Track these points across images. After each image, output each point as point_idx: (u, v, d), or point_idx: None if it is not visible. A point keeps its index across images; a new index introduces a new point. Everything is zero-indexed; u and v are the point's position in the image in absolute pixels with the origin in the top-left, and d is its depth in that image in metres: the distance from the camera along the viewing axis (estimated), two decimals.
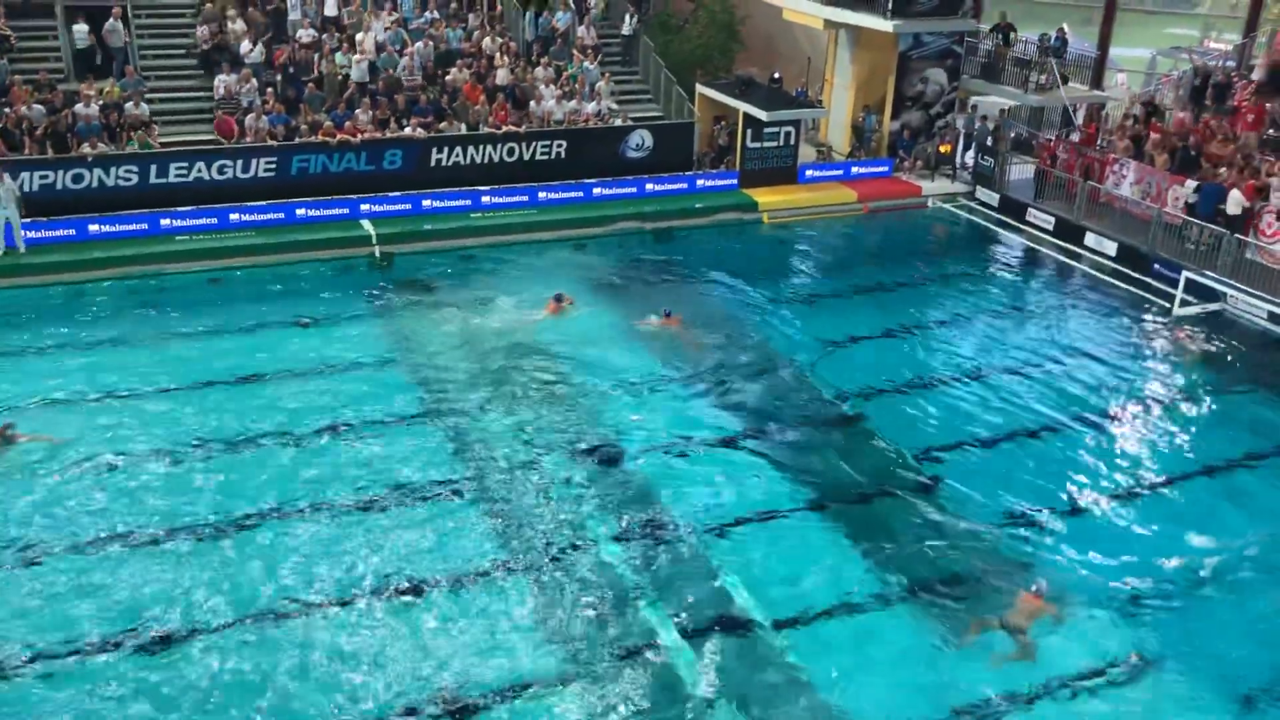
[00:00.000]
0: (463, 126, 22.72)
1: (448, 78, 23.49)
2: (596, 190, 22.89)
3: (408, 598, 11.13)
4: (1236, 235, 19.20)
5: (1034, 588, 11.31)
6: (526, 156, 23.06)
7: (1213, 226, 19.65)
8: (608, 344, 17.15)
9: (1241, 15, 31.12)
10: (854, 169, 25.27)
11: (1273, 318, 18.05)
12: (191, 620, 10.68)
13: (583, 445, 14.13)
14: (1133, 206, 21.97)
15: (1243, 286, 18.61)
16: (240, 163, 20.96)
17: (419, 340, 17.01)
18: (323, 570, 11.47)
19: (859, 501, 13.22)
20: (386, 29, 23.80)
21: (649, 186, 23.34)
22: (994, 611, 11.19)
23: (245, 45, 22.57)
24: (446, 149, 22.43)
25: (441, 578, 11.45)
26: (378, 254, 20.44)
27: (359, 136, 21.61)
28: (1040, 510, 13.09)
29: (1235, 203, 19.58)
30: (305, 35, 23.00)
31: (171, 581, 11.21)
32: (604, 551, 12.00)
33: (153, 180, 20.44)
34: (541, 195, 22.46)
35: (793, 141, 24.34)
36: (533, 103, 23.49)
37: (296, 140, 21.41)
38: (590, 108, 24.04)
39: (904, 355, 17.23)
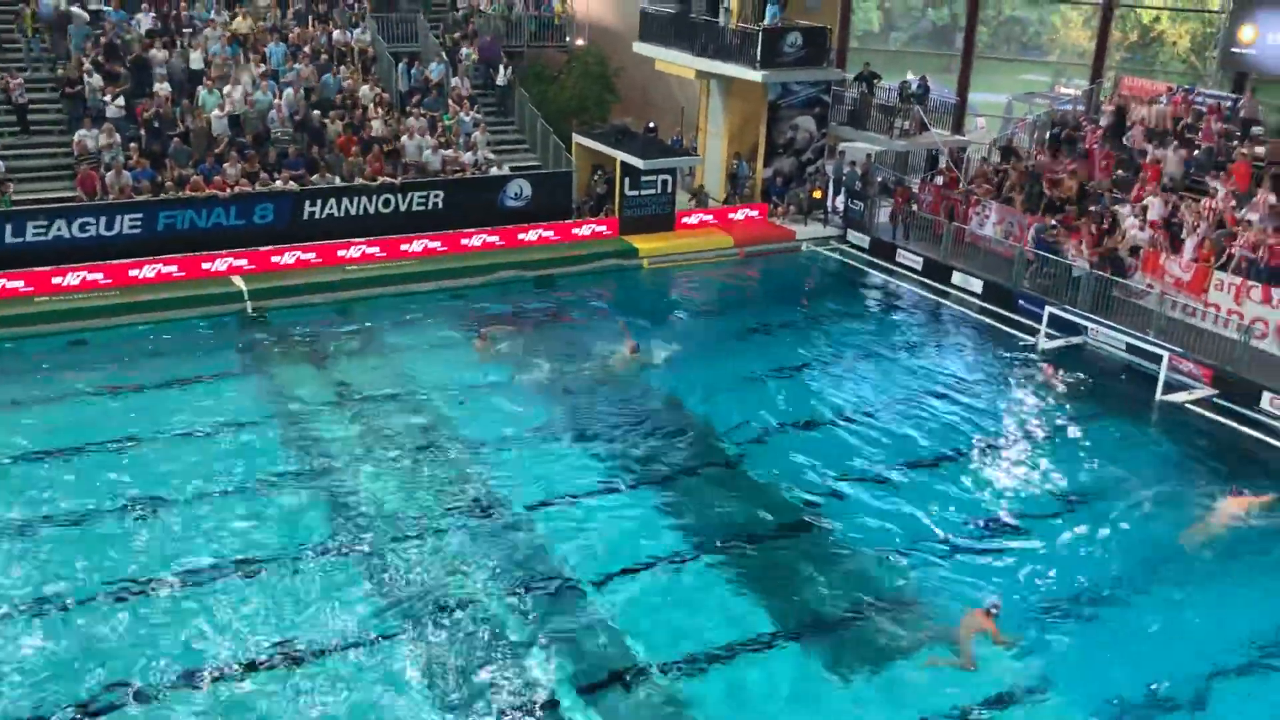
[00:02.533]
0: (336, 179, 22.40)
1: (318, 113, 23.12)
2: (475, 239, 22.76)
3: (286, 665, 10.72)
4: (1094, 272, 20.10)
5: (987, 605, 11.58)
6: (403, 207, 22.83)
7: (1067, 262, 20.52)
8: (490, 394, 17.01)
9: (1088, 62, 32.86)
10: (730, 215, 25.71)
11: (1131, 349, 18.88)
12: (53, 699, 10.10)
13: (464, 498, 13.91)
14: (996, 245, 22.84)
15: (1102, 320, 19.45)
16: (104, 219, 20.22)
17: (295, 397, 16.58)
18: (199, 638, 10.99)
19: (748, 543, 13.27)
20: (255, 81, 23.38)
21: (529, 235, 23.32)
22: (908, 641, 11.45)
23: (105, 99, 21.88)
24: (320, 201, 22.05)
25: (322, 642, 11.07)
26: (250, 310, 19.91)
27: (228, 190, 21.10)
28: (924, 542, 13.33)
29: (1090, 245, 20.52)
30: (163, 89, 22.38)
31: (38, 655, 10.60)
32: (492, 607, 11.77)
33: (8, 240, 19.56)
34: (419, 246, 22.23)
35: (670, 189, 24.65)
36: (407, 151, 23.29)
37: (162, 196, 20.81)
38: (467, 157, 23.97)
39: (785, 396, 17.47)
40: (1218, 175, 21.36)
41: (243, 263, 20.79)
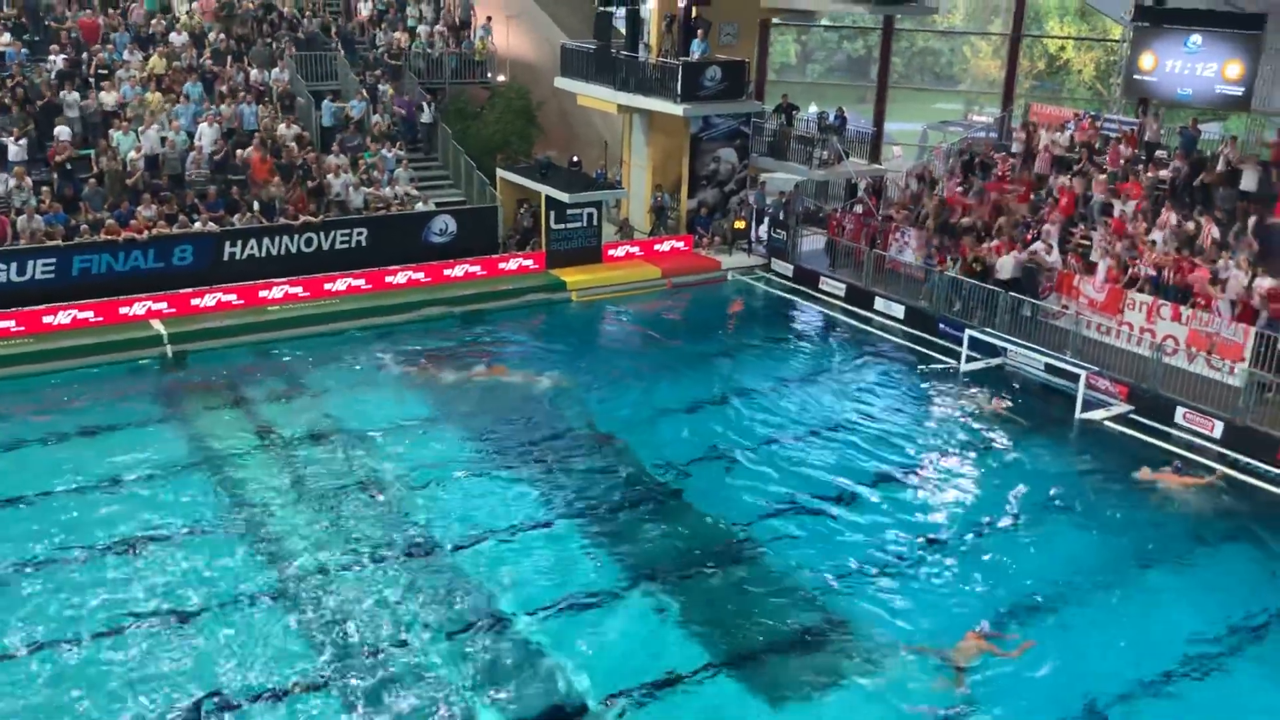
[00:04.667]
0: (256, 205, 22.06)
1: (238, 153, 22.86)
2: (401, 276, 22.62)
3: (215, 716, 10.47)
4: (1012, 294, 20.59)
5: (979, 628, 11.85)
6: (326, 246, 22.61)
7: (985, 285, 21.01)
8: (419, 431, 16.87)
9: (999, 91, 33.85)
10: (656, 246, 25.90)
11: (1049, 369, 19.36)
12: None
13: (394, 537, 13.75)
14: (916, 271, 23.30)
15: (1020, 341, 19.92)
16: (14, 265, 19.73)
17: (219, 442, 16.26)
18: (121, 693, 10.68)
19: (683, 573, 13.28)
20: (171, 120, 23.04)
21: (455, 270, 23.23)
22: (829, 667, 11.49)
23: (8, 141, 21.35)
24: (241, 242, 21.75)
25: (255, 689, 10.84)
26: (169, 354, 19.53)
27: (145, 233, 20.72)
28: (859, 566, 13.48)
29: (1005, 269, 21.07)
30: (63, 132, 21.87)
31: None
32: (428, 648, 11.63)
33: None
34: (343, 284, 22.02)
35: (595, 222, 24.78)
36: (330, 189, 23.09)
37: (76, 240, 20.36)
38: (390, 194, 23.85)
39: (715, 425, 17.56)
40: (1124, 198, 22.08)
41: (162, 306, 20.40)
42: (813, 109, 31.16)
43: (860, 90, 36.27)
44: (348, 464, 15.72)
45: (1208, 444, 17.05)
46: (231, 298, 21.06)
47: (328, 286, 21.89)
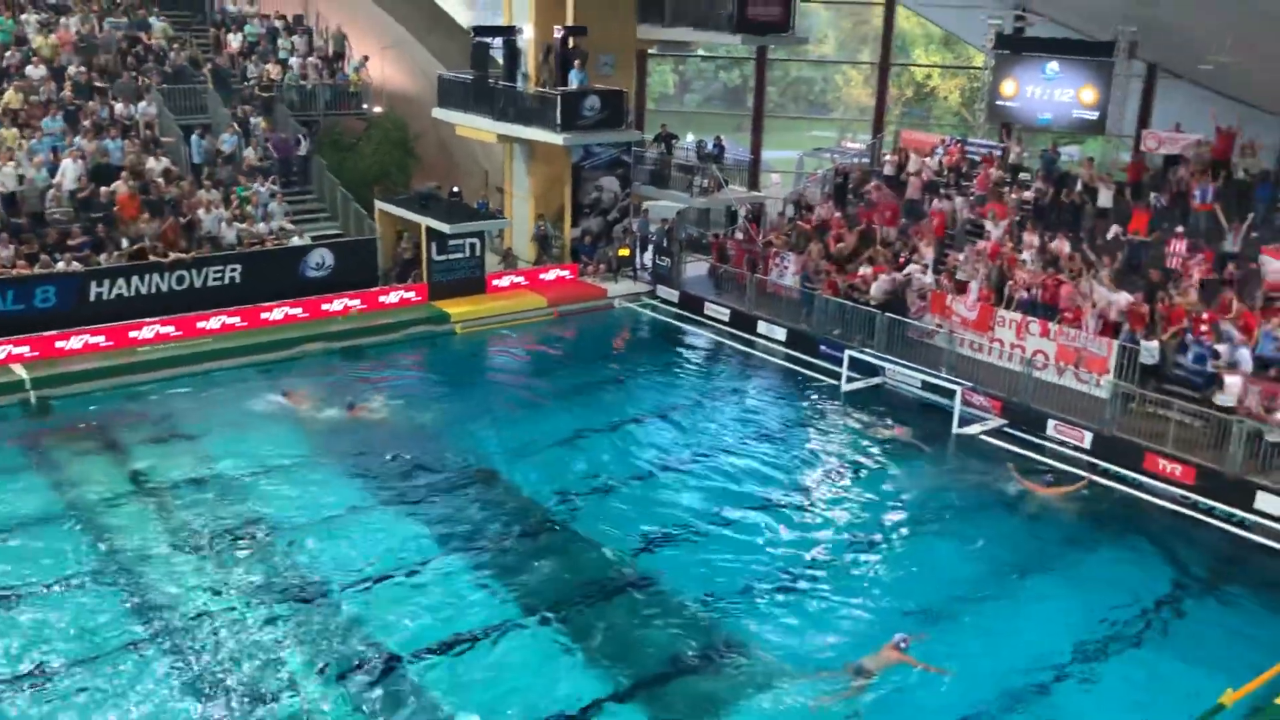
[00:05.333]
0: (124, 241, 21.32)
1: (104, 189, 22.06)
2: (277, 313, 22.06)
3: None
4: (888, 314, 21.11)
5: (896, 639, 11.99)
6: (198, 283, 21.94)
7: (862, 307, 21.52)
8: (298, 471, 16.41)
9: (870, 118, 34.85)
10: (541, 275, 25.85)
11: (926, 386, 19.89)
12: None
13: (277, 581, 13.34)
14: (796, 294, 23.72)
15: (898, 360, 20.43)
16: None
17: (88, 491, 15.56)
18: None
19: (575, 604, 13.18)
20: (33, 157, 22.11)
21: (334, 305, 22.77)
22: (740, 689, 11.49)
23: None
24: (108, 281, 20.97)
25: None
26: (33, 400, 18.67)
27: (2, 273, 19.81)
28: (750, 588, 13.56)
29: (880, 290, 21.63)
30: None
31: None
32: (317, 692, 11.28)
33: None
34: (217, 323, 21.38)
35: (478, 252, 24.61)
36: (202, 225, 22.43)
37: None
38: (263, 228, 23.29)
39: (603, 454, 17.53)
40: (993, 219, 22.89)
41: (24, 350, 19.49)
42: (691, 138, 31.62)
43: (737, 119, 36.92)
44: (227, 507, 15.19)
45: (1078, 454, 17.70)
46: (99, 339, 20.24)
47: (201, 325, 21.22)
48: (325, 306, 22.68)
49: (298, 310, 22.31)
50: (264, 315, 21.91)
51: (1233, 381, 16.68)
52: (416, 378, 20.95)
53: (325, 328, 22.17)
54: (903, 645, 12.01)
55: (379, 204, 25.47)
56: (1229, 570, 14.64)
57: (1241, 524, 15.55)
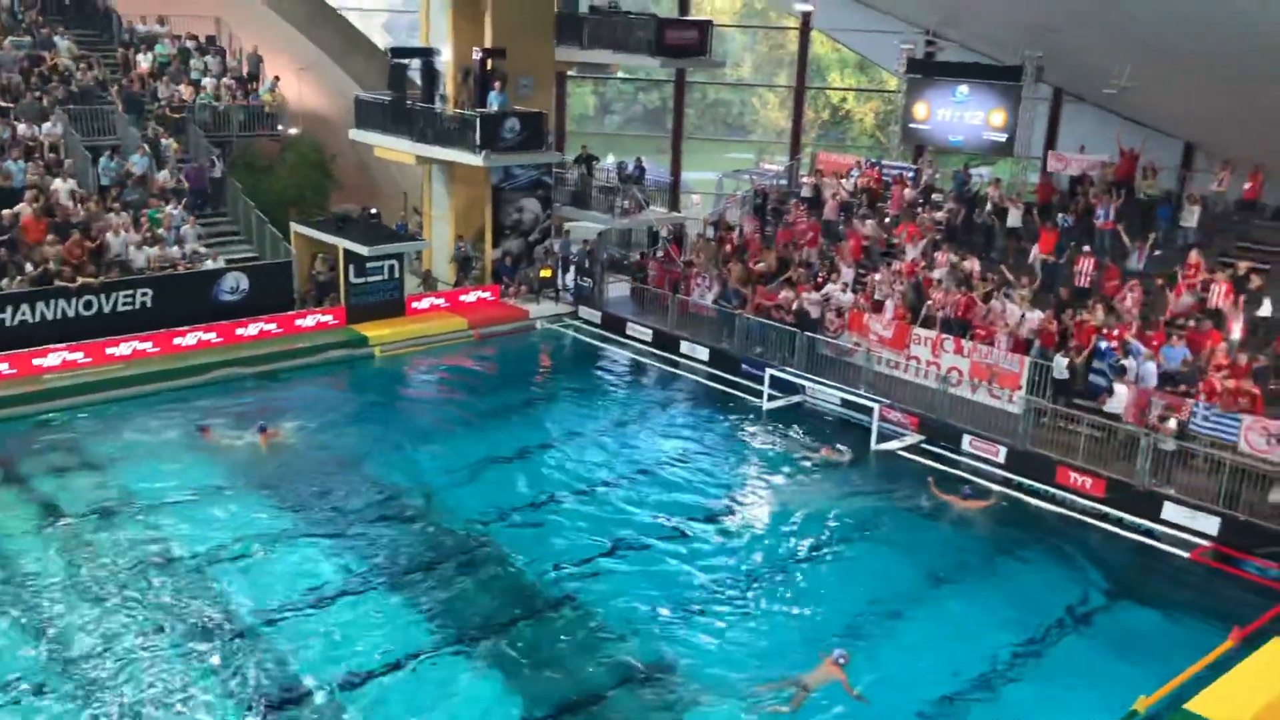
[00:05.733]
0: (29, 266, 20.66)
1: (7, 211, 21.38)
2: (190, 338, 21.55)
3: None
4: (807, 333, 21.36)
5: (835, 655, 11.97)
6: (106, 309, 21.37)
7: (782, 326, 21.74)
8: (214, 500, 16.01)
9: (787, 140, 35.34)
10: (462, 297, 25.65)
11: (845, 403, 20.13)
12: None
13: (193, 614, 12.97)
14: (716, 314, 23.87)
15: (817, 378, 20.66)
16: None
17: None
18: None
19: (503, 627, 13.03)
20: None
21: (249, 329, 22.31)
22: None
23: None
24: (10, 307, 20.31)
25: None
26: None
27: None
28: (678, 607, 13.56)
29: (797, 309, 21.88)
30: None
31: None
32: None
33: None
34: (127, 349, 20.80)
35: (397, 274, 24.35)
36: (110, 248, 21.85)
37: None
38: (175, 252, 22.77)
39: (527, 476, 17.40)
40: (908, 239, 23.33)
41: None
42: (611, 159, 31.73)
43: (657, 140, 37.16)
44: (138, 539, 14.75)
45: (993, 468, 18.05)
46: (3, 367, 19.58)
47: (110, 351, 20.65)
48: (240, 331, 22.22)
49: (211, 335, 21.83)
50: (176, 340, 21.41)
51: (1121, 390, 17.24)
52: (334, 402, 20.59)
53: (240, 353, 21.72)
54: (841, 661, 12.01)
55: (295, 227, 25.08)
56: (1139, 579, 15.00)
57: (1150, 534, 15.98)
